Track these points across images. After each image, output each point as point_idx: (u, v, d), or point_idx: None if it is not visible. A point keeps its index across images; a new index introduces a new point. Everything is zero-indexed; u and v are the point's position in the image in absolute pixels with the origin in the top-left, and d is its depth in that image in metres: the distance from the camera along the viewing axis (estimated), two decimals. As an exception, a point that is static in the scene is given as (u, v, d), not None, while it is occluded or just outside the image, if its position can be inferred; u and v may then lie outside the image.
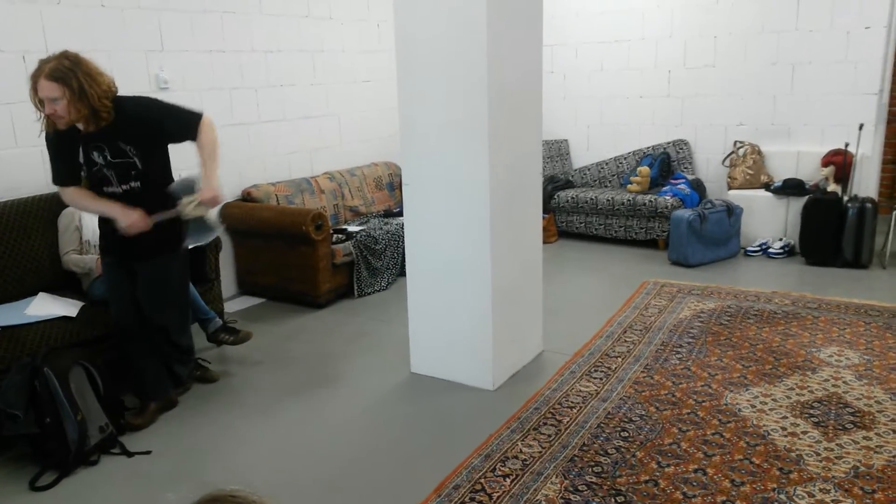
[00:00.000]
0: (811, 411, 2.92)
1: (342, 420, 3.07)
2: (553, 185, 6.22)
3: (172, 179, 2.93)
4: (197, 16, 4.27)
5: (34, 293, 3.28)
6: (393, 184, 5.74)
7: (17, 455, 2.79)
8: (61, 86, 2.54)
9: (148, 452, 2.83)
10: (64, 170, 2.81)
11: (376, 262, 4.82)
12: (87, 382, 2.79)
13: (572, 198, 6.06)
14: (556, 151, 6.64)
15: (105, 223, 2.91)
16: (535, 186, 3.52)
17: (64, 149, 2.76)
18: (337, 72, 5.38)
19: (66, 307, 3.16)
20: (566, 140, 6.77)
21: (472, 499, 2.41)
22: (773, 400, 3.03)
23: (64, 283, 3.43)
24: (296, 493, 2.51)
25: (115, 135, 2.73)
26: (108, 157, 2.75)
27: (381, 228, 4.97)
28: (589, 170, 6.60)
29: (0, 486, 2.63)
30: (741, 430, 2.79)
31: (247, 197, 4.65)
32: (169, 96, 3.90)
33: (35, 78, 2.56)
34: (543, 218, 5.72)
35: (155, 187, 2.84)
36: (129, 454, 2.81)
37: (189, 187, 2.83)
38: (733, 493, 2.38)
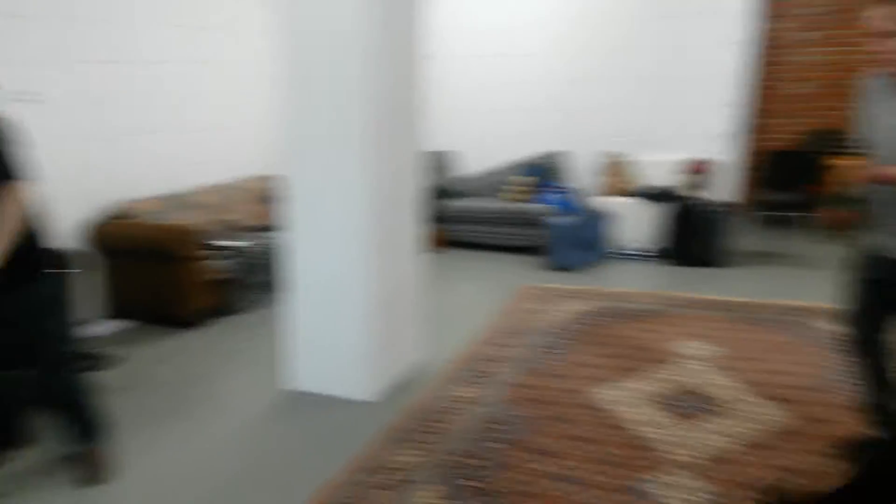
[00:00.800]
0: (671, 402, 3.12)
1: (214, 443, 2.98)
2: (441, 195, 6.33)
3: None
4: (65, 23, 4.05)
5: None
6: (272, 197, 5.63)
7: None
8: None
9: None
10: None
11: (255, 278, 4.71)
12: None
13: (459, 208, 6.18)
14: (442, 162, 6.76)
15: None
16: (415, 197, 3.57)
17: None
18: (214, 82, 5.23)
19: None
20: (450, 151, 6.90)
21: (350, 512, 2.41)
22: (636, 393, 3.22)
23: None
24: None
25: None
26: None
27: (259, 243, 4.87)
28: (473, 180, 6.76)
29: None
30: (608, 424, 2.95)
31: (119, 214, 4.43)
32: (31, 109, 3.65)
33: None
34: (432, 227, 5.83)
35: None
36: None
37: None
38: (600, 483, 2.51)
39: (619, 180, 5.97)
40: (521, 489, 2.50)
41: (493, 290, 4.99)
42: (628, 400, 3.16)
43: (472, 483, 2.55)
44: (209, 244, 4.70)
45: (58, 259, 2.69)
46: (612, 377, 3.41)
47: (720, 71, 5.79)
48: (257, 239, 4.96)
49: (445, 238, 6.26)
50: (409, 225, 3.56)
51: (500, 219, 5.97)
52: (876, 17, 2.12)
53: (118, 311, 4.51)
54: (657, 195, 5.74)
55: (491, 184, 6.68)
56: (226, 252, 4.65)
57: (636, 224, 5.80)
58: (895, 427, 2.49)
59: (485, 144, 6.78)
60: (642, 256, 5.66)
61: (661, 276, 5.25)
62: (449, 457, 2.75)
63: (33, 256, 2.63)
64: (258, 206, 5.54)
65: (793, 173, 5.41)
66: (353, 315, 3.24)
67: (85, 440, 2.76)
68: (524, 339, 3.95)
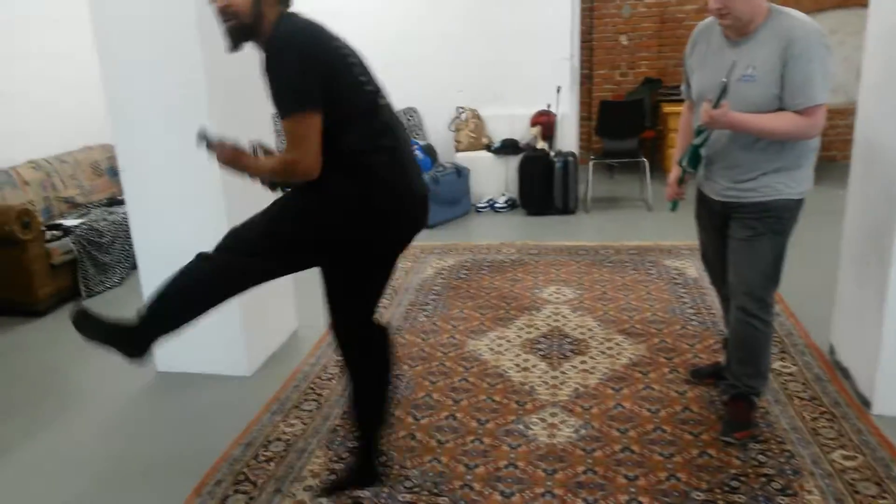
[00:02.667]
0: (538, 346, 3.32)
1: (80, 436, 2.79)
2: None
3: None
4: None
5: None
6: (114, 168, 5.21)
7: None
8: None
9: None
10: None
11: (104, 257, 4.38)
12: None
13: (312, 170, 6.05)
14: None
15: None
16: (270, 163, 3.44)
17: None
18: (26, 44, 4.68)
19: None
20: (300, 111, 6.69)
21: (237, 490, 2.37)
22: (507, 341, 3.39)
23: None
24: None
25: None
26: None
27: (106, 219, 4.52)
28: (326, 140, 6.62)
29: None
30: (483, 373, 3.09)
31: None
32: None
33: None
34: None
35: None
36: None
37: None
38: (479, 430, 2.64)
39: (472, 135, 6.11)
40: (404, 445, 2.58)
41: (358, 251, 4.97)
42: (500, 348, 3.32)
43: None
44: (47, 224, 4.30)
45: None
46: (484, 328, 3.56)
47: (552, 25, 6.01)
48: (104, 215, 4.60)
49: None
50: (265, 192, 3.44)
51: (359, 179, 5.92)
52: None
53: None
54: (507, 148, 5.95)
55: (347, 143, 6.58)
56: (67, 231, 4.27)
57: (492, 177, 5.99)
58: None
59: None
60: (499, 208, 5.87)
61: (519, 226, 5.49)
62: (331, 422, 2.76)
63: None
64: (102, 179, 5.11)
65: (625, 122, 5.79)
66: (219, 289, 3.11)
67: None
68: (396, 299, 4.00)
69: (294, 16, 1.97)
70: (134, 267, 4.16)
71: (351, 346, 2.26)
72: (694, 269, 4.20)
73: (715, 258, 2.63)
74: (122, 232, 4.48)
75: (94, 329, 2.10)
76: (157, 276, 3.14)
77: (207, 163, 2.89)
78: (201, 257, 2.11)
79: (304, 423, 2.76)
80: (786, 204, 2.31)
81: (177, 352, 3.24)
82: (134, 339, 2.12)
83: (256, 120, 3.29)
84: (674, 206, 2.67)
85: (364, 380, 2.31)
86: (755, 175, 2.30)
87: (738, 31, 2.24)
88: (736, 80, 2.22)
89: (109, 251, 4.43)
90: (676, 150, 2.68)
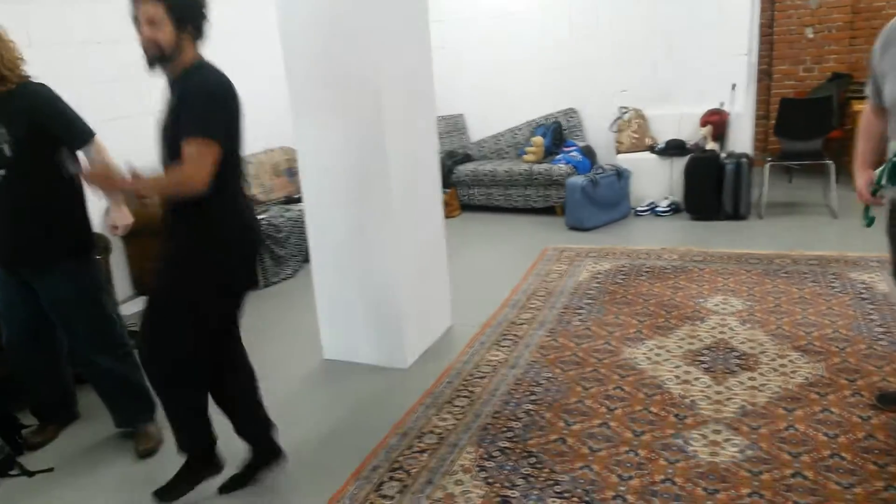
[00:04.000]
0: (701, 358, 3.14)
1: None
2: (452, 160, 6.30)
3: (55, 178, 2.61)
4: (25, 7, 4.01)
5: None
6: (292, 169, 5.63)
7: None
8: None
9: (50, 470, 2.71)
10: None
11: (280, 251, 4.75)
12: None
13: (472, 171, 6.16)
14: (454, 126, 6.71)
15: None
16: (433, 162, 3.56)
17: None
18: (219, 56, 5.17)
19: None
20: (462, 114, 6.84)
21: (392, 478, 2.46)
22: (666, 351, 3.24)
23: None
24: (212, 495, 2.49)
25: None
26: None
27: (283, 216, 4.90)
28: (486, 143, 6.71)
29: None
30: (639, 382, 2.97)
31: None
32: None
33: None
34: (445, 193, 5.81)
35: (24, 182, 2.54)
36: (30, 474, 2.67)
37: None
38: (635, 442, 2.55)
39: (634, 136, 5.90)
40: (555, 449, 2.55)
41: (514, 252, 4.99)
42: (658, 357, 3.19)
43: (506, 444, 2.60)
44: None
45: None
46: (641, 336, 3.43)
47: (730, 19, 5.65)
48: (282, 212, 4.99)
49: (459, 202, 6.25)
50: (430, 191, 3.56)
51: (515, 180, 5.94)
52: None
53: (140, 289, 4.55)
54: (673, 149, 5.68)
55: (503, 146, 6.64)
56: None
57: (655, 180, 5.75)
58: None
59: (496, 106, 6.69)
60: (661, 212, 5.62)
61: (682, 231, 5.22)
62: (483, 419, 2.79)
63: (83, 228, 2.71)
64: (280, 179, 5.55)
65: (809, 121, 5.30)
66: (380, 284, 3.27)
67: (137, 418, 2.85)
68: (550, 301, 3.97)
69: (211, 63, 2.23)
70: (306, 261, 4.47)
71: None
72: (884, 283, 3.77)
73: None
74: (297, 228, 4.83)
75: (176, 491, 2.39)
76: (326, 270, 3.38)
77: (378, 167, 3.09)
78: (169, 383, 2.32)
79: (457, 419, 2.82)
80: None
81: (342, 342, 3.45)
82: (196, 463, 2.42)
83: (423, 118, 3.42)
84: (869, 220, 2.41)
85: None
86: None
87: None
88: None
89: (285, 245, 4.79)
90: (859, 154, 2.44)
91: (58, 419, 2.97)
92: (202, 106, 2.11)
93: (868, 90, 2.38)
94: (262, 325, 4.00)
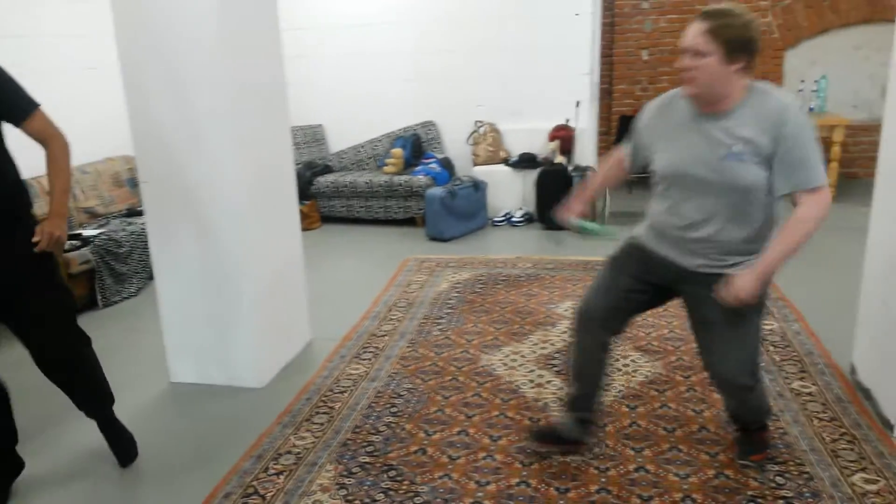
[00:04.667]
0: (553, 362, 3.28)
1: (91, 444, 2.79)
2: (311, 171, 6.19)
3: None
4: None
5: None
6: (134, 180, 5.27)
7: None
8: None
9: None
10: None
11: (121, 267, 4.42)
12: None
13: (332, 182, 6.08)
14: (312, 137, 6.60)
15: None
16: (288, 173, 3.46)
17: None
18: (52, 58, 4.77)
19: None
20: (321, 125, 6.74)
21: (246, 503, 2.35)
22: (521, 356, 3.35)
23: None
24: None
25: None
26: None
27: (125, 230, 4.57)
28: (346, 154, 6.66)
29: None
30: (496, 388, 3.05)
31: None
32: None
33: None
34: (305, 205, 5.69)
35: None
36: None
37: None
38: (492, 447, 2.61)
39: (490, 149, 6.10)
40: (415, 460, 2.55)
41: (374, 264, 4.97)
42: (514, 363, 3.29)
43: (366, 460, 2.57)
44: (68, 234, 4.35)
45: None
46: (498, 342, 3.52)
47: (573, 40, 6.00)
48: (123, 226, 4.65)
49: (319, 214, 6.15)
50: (285, 204, 3.46)
51: (375, 192, 5.94)
52: (693, 32, 1.99)
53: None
54: (525, 162, 5.93)
55: (363, 157, 6.62)
56: (86, 241, 4.32)
57: (509, 191, 5.97)
58: None
59: (355, 117, 6.67)
60: (516, 222, 5.84)
61: (535, 240, 5.46)
62: (343, 435, 2.74)
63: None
64: (121, 190, 5.17)
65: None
66: (232, 301, 3.12)
67: None
68: (411, 312, 3.98)
69: None
70: (150, 278, 4.19)
71: None
72: (713, 285, 4.13)
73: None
74: (141, 242, 4.52)
75: None
76: (173, 287, 3.18)
77: (229, 178, 2.95)
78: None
79: (315, 437, 2.75)
80: None
81: (191, 363, 3.26)
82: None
83: (276, 129, 3.32)
84: (583, 229, 2.47)
85: None
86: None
87: (711, 104, 2.04)
88: (720, 158, 2.02)
89: (127, 261, 4.47)
90: (591, 184, 2.56)
91: None
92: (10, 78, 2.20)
93: (625, 147, 2.43)
94: (101, 347, 3.68)
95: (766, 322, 3.59)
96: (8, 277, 2.29)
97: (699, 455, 2.50)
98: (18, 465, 2.54)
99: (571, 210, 2.47)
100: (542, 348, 3.43)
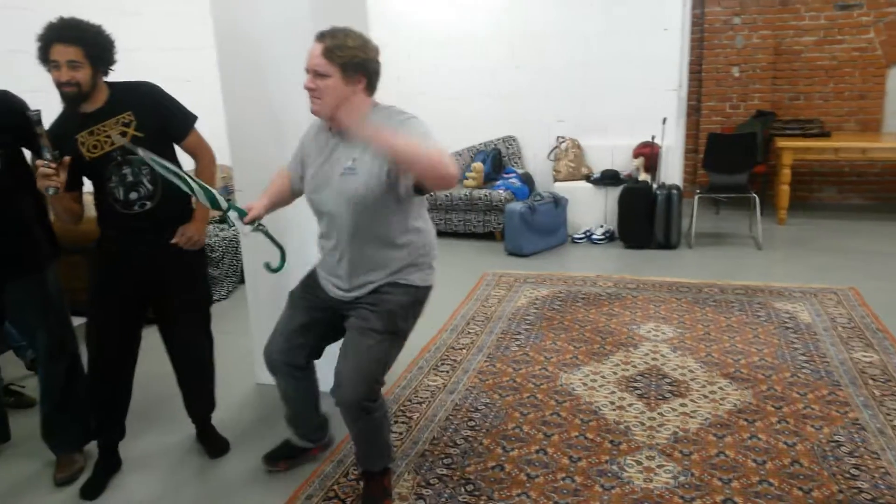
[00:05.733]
0: (635, 384, 3.20)
1: (181, 440, 2.91)
2: (392, 183, 6.28)
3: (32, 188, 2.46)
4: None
5: None
6: (229, 188, 5.50)
7: None
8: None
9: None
10: None
11: (213, 271, 4.60)
12: None
13: (411, 195, 6.15)
14: (394, 149, 6.70)
15: None
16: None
17: None
18: (150, 71, 5.03)
19: None
20: (402, 137, 6.84)
21: (326, 507, 2.39)
22: (601, 377, 3.29)
23: None
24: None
25: None
26: None
27: (217, 235, 4.76)
28: (426, 166, 6.72)
29: None
30: (575, 408, 3.00)
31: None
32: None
33: None
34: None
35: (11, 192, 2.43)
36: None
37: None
38: (571, 468, 2.56)
39: (571, 165, 6.04)
40: (493, 476, 2.53)
41: (452, 277, 4.99)
42: (594, 383, 3.23)
43: (444, 472, 2.57)
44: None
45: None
46: (577, 361, 3.47)
47: (660, 56, 5.89)
48: (216, 231, 4.85)
49: (402, 225, 6.22)
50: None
51: (455, 205, 5.97)
52: (312, 53, 2.04)
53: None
54: (608, 179, 5.84)
55: (446, 170, 6.66)
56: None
57: (590, 208, 5.89)
58: None
59: (437, 132, 6.72)
60: (597, 240, 5.75)
61: (616, 259, 5.35)
62: (421, 446, 2.76)
63: (49, 233, 2.63)
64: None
65: (735, 156, 5.55)
66: (318, 307, 3.20)
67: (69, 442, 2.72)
68: (489, 326, 3.98)
69: None
70: (241, 281, 4.35)
71: None
72: (807, 313, 3.94)
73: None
74: (232, 248, 4.70)
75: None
76: (262, 291, 3.29)
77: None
78: None
79: (394, 446, 2.77)
80: None
81: (275, 366, 3.34)
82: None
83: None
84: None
85: None
86: None
87: (336, 123, 2.12)
88: (339, 174, 2.11)
89: (219, 265, 4.65)
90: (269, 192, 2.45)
91: None
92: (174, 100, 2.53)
93: (291, 162, 2.43)
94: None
95: (865, 354, 3.40)
96: (163, 274, 2.52)
97: (791, 490, 2.38)
98: (118, 462, 2.68)
99: (253, 209, 2.32)
100: (624, 370, 3.36)
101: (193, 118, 2.52)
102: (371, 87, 2.10)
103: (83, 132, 2.34)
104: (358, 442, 2.34)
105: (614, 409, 2.98)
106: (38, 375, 2.70)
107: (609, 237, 5.77)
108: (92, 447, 2.72)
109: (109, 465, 2.64)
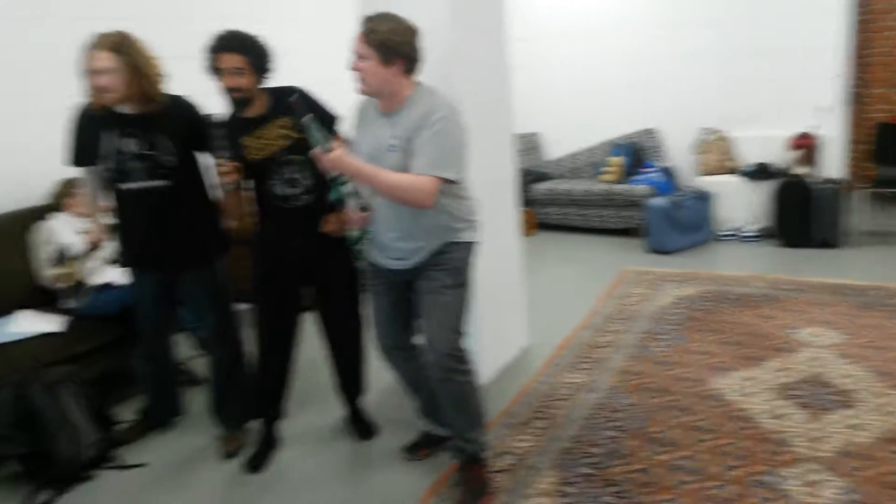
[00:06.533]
0: (795, 392, 2.98)
1: (332, 422, 3.05)
2: (528, 178, 6.26)
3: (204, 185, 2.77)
4: (161, 22, 4.18)
5: (9, 313, 3.20)
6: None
7: (9, 475, 2.73)
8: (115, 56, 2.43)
9: (143, 465, 2.80)
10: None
11: (356, 263, 4.79)
12: (77, 398, 2.73)
13: (548, 190, 6.10)
14: (529, 145, 6.68)
15: (129, 230, 2.73)
16: (510, 181, 3.53)
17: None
18: (300, 74, 5.31)
19: (49, 323, 3.10)
20: (538, 133, 6.80)
21: (470, 497, 2.42)
22: (756, 383, 3.09)
23: (40, 299, 3.35)
24: (291, 486, 2.50)
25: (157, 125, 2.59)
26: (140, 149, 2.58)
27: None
28: (562, 161, 6.64)
29: (-9, 509, 2.58)
30: (728, 415, 2.84)
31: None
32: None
33: (90, 48, 2.45)
34: (522, 211, 5.76)
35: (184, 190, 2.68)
36: (125, 467, 2.78)
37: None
38: (725, 476, 2.43)
39: (718, 158, 5.73)
40: (639, 479, 2.45)
41: (589, 273, 4.90)
42: (747, 389, 3.04)
43: (588, 471, 2.52)
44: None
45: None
46: (728, 365, 3.28)
47: (820, 40, 5.43)
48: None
49: (536, 221, 6.19)
50: (507, 209, 3.53)
51: (592, 200, 5.85)
52: (356, 36, 2.16)
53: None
54: (760, 173, 5.48)
55: (580, 165, 6.55)
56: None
57: (739, 203, 5.54)
58: None
59: (573, 125, 6.63)
60: (747, 237, 5.42)
61: (769, 257, 5.01)
62: (563, 443, 2.72)
63: (219, 231, 2.85)
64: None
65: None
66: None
67: (235, 420, 2.93)
68: (630, 325, 3.86)
69: None
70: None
71: None
72: None
73: None
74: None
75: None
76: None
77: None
78: None
79: (535, 440, 2.76)
80: None
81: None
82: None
83: (501, 138, 3.39)
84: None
85: None
86: None
87: (383, 103, 2.27)
88: (385, 149, 2.22)
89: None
90: None
91: (155, 420, 3.06)
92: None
93: None
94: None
95: None
96: (319, 262, 2.68)
97: None
98: (277, 440, 2.86)
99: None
100: (782, 376, 3.13)
101: (336, 118, 2.63)
102: (410, 69, 2.21)
103: (248, 136, 2.51)
104: (449, 407, 2.42)
105: (772, 418, 2.79)
106: (207, 357, 2.94)
107: (762, 234, 5.41)
108: (254, 425, 2.91)
109: (269, 443, 2.82)
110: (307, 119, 2.21)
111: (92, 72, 2.44)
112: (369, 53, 2.14)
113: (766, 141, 5.70)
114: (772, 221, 5.30)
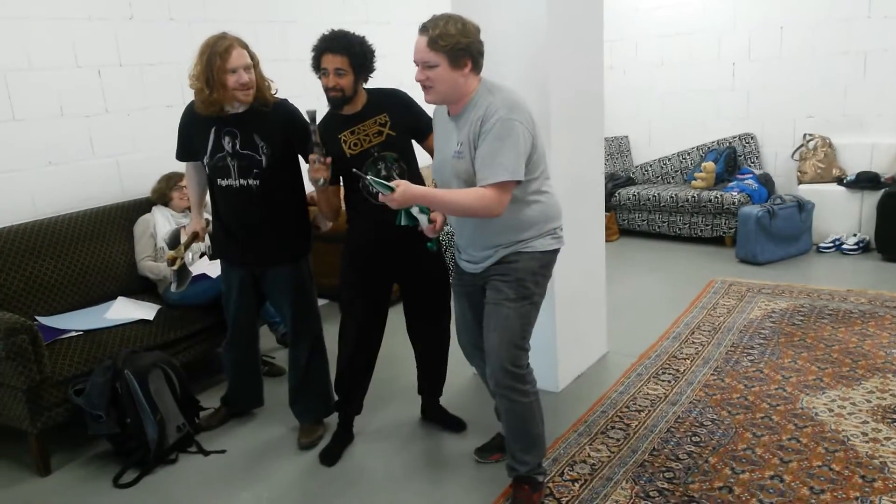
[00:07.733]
0: (893, 416, 2.79)
1: (407, 419, 3.09)
2: (614, 183, 6.13)
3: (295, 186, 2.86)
4: (259, 26, 4.36)
5: (113, 298, 3.42)
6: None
7: (100, 453, 2.93)
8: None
9: (223, 452, 2.92)
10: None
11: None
12: (165, 383, 2.89)
13: (634, 195, 5.96)
14: (617, 148, 6.54)
15: (222, 225, 2.83)
16: (597, 185, 3.47)
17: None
18: (396, 76, 5.40)
19: (144, 311, 3.28)
20: (626, 136, 6.65)
21: (543, 503, 2.40)
22: (851, 404, 2.91)
23: (141, 287, 3.57)
24: (365, 483, 2.55)
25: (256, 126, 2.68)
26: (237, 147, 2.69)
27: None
28: (651, 166, 6.47)
29: (84, 483, 2.76)
30: (819, 436, 2.69)
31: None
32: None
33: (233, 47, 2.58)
34: (605, 216, 5.65)
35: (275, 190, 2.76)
36: (206, 453, 2.91)
37: None
38: (812, 500, 2.30)
39: (819, 165, 5.42)
40: (720, 497, 2.36)
41: (674, 282, 4.74)
42: (842, 410, 2.87)
43: (665, 486, 2.45)
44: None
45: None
46: (822, 384, 3.11)
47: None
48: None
49: (618, 226, 6.05)
50: (592, 214, 3.47)
51: (681, 207, 5.66)
52: (418, 46, 2.13)
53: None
54: (865, 182, 5.15)
55: (669, 170, 6.36)
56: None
57: (841, 214, 5.24)
58: None
59: (663, 128, 6.45)
60: (848, 250, 5.11)
61: (870, 272, 4.70)
62: (640, 455, 2.65)
63: (306, 231, 2.93)
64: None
65: None
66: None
67: (312, 412, 3.02)
68: (716, 337, 3.72)
69: None
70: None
71: None
72: None
73: None
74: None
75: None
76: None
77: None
78: None
79: (611, 451, 2.70)
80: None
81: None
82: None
83: (591, 140, 3.34)
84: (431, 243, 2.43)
85: None
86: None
87: (451, 107, 2.25)
88: (451, 156, 2.22)
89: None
90: None
91: (237, 408, 3.20)
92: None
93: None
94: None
95: None
96: (410, 259, 2.72)
97: None
98: (352, 435, 2.92)
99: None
100: (880, 398, 2.94)
101: (431, 120, 2.65)
102: (477, 67, 2.19)
103: (346, 132, 2.57)
104: (508, 428, 2.37)
105: (867, 441, 2.62)
106: (287, 350, 3.04)
107: (863, 248, 5.09)
108: (332, 419, 2.99)
109: (345, 437, 2.89)
110: (370, 180, 2.21)
111: (239, 69, 2.55)
112: (438, 60, 2.11)
113: (873, 148, 5.37)
114: (875, 233, 4.97)
